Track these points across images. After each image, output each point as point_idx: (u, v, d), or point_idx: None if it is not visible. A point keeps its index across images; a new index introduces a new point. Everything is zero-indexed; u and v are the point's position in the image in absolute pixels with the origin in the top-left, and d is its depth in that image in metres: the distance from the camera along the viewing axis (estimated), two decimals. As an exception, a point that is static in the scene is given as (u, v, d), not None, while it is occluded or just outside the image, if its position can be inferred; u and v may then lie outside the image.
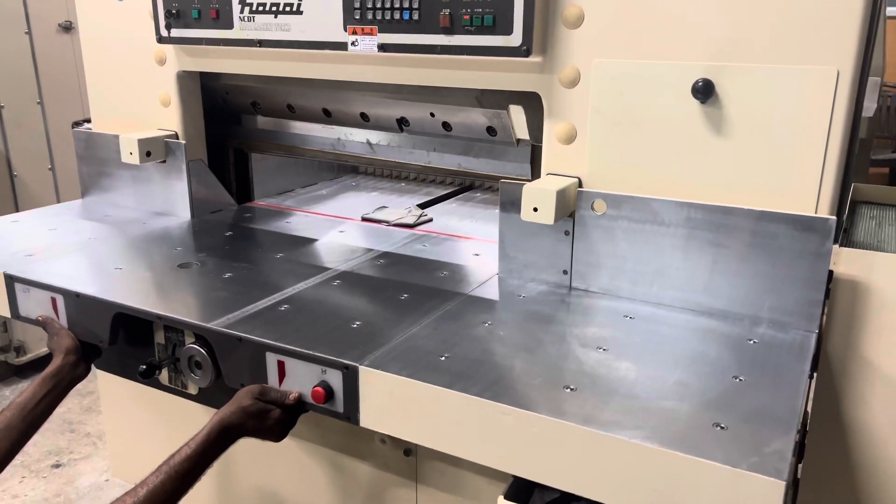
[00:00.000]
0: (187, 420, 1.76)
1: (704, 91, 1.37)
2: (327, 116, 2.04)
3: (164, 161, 2.10)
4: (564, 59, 1.51)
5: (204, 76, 2.10)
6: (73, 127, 3.76)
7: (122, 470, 2.41)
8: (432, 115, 1.85)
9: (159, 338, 1.57)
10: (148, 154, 2.05)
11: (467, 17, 1.52)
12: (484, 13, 1.50)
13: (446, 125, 1.86)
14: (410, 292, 1.56)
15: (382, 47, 1.64)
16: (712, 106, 1.38)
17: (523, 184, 1.53)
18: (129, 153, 2.03)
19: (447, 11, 1.54)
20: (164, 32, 1.95)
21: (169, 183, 2.12)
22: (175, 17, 1.91)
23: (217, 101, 2.20)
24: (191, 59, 2.01)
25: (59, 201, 3.65)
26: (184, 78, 2.06)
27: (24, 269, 1.66)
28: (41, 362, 3.37)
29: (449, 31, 1.55)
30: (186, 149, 2.08)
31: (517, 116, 1.73)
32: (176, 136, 2.11)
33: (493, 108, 1.74)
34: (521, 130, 1.75)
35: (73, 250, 1.82)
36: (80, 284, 1.58)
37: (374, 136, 2.03)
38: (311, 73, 1.83)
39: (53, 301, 1.58)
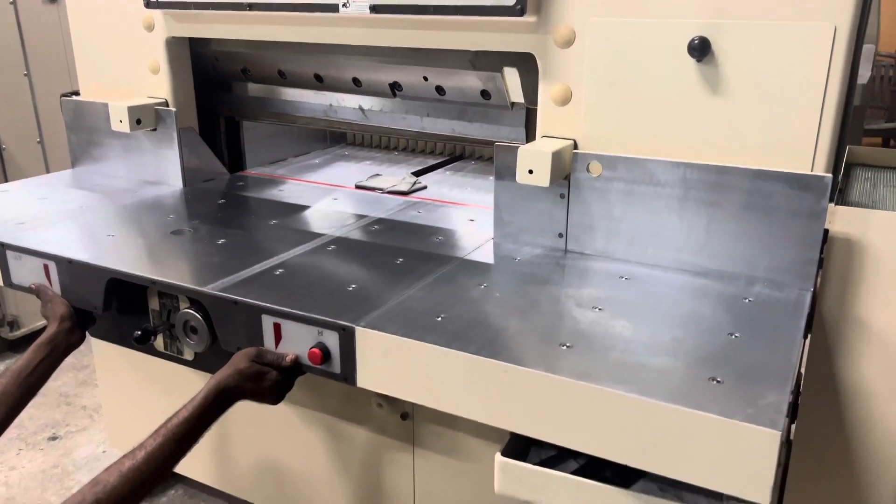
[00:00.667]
0: (183, 389, 1.75)
1: (700, 49, 1.36)
2: (319, 82, 2.02)
3: (155, 129, 2.08)
4: (559, 19, 1.49)
5: (193, 42, 2.07)
6: (61, 99, 3.70)
7: (120, 441, 2.41)
8: (425, 79, 1.83)
9: (154, 304, 1.56)
10: (138, 122, 2.02)
11: (460, -24, 1.50)
12: (477, -28, 1.48)
13: (440, 89, 1.85)
14: (405, 257, 1.55)
15: (374, 8, 1.62)
16: (708, 64, 1.37)
17: (518, 147, 1.52)
18: (119, 121, 2.01)
19: (440, -29, 1.52)
20: (152, -3, 1.92)
21: (160, 151, 2.10)
22: (163, -19, 1.88)
23: (207, 68, 2.17)
24: (179, 24, 1.98)
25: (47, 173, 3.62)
26: (173, 44, 2.03)
27: (16, 237, 1.65)
28: (35, 337, 3.36)
29: (442, -10, 1.53)
30: (177, 116, 2.05)
31: (511, 79, 1.71)
32: (166, 104, 2.08)
33: (487, 71, 1.72)
34: (516, 93, 1.73)
35: (65, 218, 1.81)
36: (72, 251, 1.56)
37: (367, 102, 2.01)
38: (301, 36, 1.80)
39: (46, 268, 1.57)
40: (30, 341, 3.41)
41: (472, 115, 1.86)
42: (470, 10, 1.51)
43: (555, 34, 1.50)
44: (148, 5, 1.94)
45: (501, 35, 1.57)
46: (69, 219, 1.81)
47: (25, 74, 3.44)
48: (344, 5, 1.65)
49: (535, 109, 1.60)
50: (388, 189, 2.08)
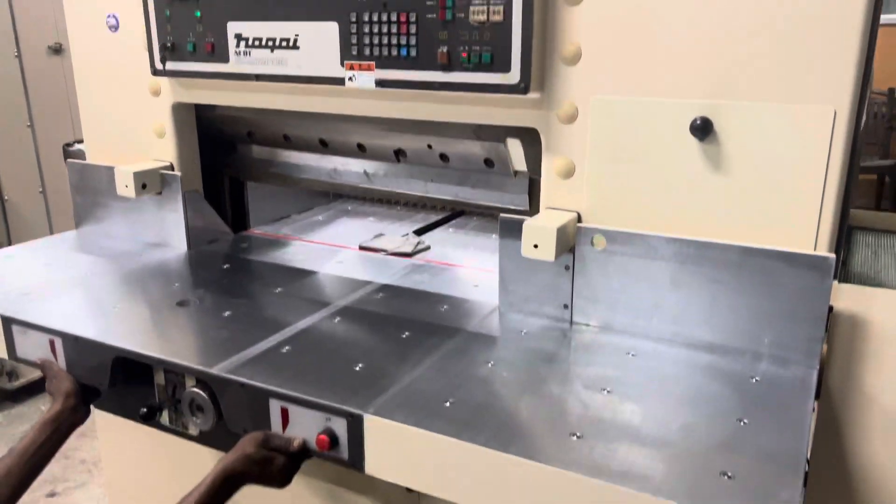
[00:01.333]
0: (184, 448, 1.74)
1: (703, 129, 1.38)
2: (324, 147, 2.04)
3: (160, 193, 2.09)
4: (562, 96, 1.51)
5: (199, 106, 2.09)
6: (64, 149, 3.73)
7: (119, 498, 2.39)
8: (430, 146, 1.85)
9: (159, 378, 1.56)
10: (143, 186, 2.04)
11: (465, 54, 1.53)
12: (482, 51, 1.51)
13: (444, 156, 1.87)
14: (412, 329, 1.56)
15: (380, 83, 1.64)
16: (710, 143, 1.39)
17: (523, 218, 1.54)
18: (125, 186, 2.02)
19: (445, 49, 1.54)
20: (158, 65, 1.94)
21: (164, 214, 2.11)
22: (170, 50, 1.91)
23: (212, 130, 2.19)
24: (186, 90, 2.00)
25: (50, 224, 3.64)
26: (179, 109, 2.05)
27: (21, 310, 1.65)
28: (34, 387, 3.35)
29: (447, 67, 1.55)
30: (182, 180, 2.07)
31: (515, 149, 1.73)
32: (171, 168, 2.10)
33: (491, 141, 1.74)
34: (519, 163, 1.75)
35: (70, 287, 1.81)
36: (78, 326, 1.56)
37: (371, 167, 2.03)
38: (307, 106, 1.83)
39: (52, 343, 1.57)
40: (29, 391, 3.40)
41: (476, 181, 1.88)
42: (475, 88, 1.54)
43: (558, 110, 1.53)
44: (155, 73, 1.96)
45: (505, 110, 1.59)
46: (75, 287, 1.81)
47: (29, 126, 3.48)
48: (350, 79, 1.68)
49: (538, 178, 1.62)
50: (392, 251, 2.09)
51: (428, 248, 2.13)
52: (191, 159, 2.13)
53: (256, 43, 1.78)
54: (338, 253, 2.11)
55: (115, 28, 2.08)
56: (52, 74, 3.55)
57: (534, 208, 1.81)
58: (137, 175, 2.01)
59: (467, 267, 1.98)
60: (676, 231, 1.45)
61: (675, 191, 1.44)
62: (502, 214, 1.62)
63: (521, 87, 1.49)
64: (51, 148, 3.58)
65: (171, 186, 2.08)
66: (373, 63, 1.64)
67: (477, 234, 2.29)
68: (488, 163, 1.80)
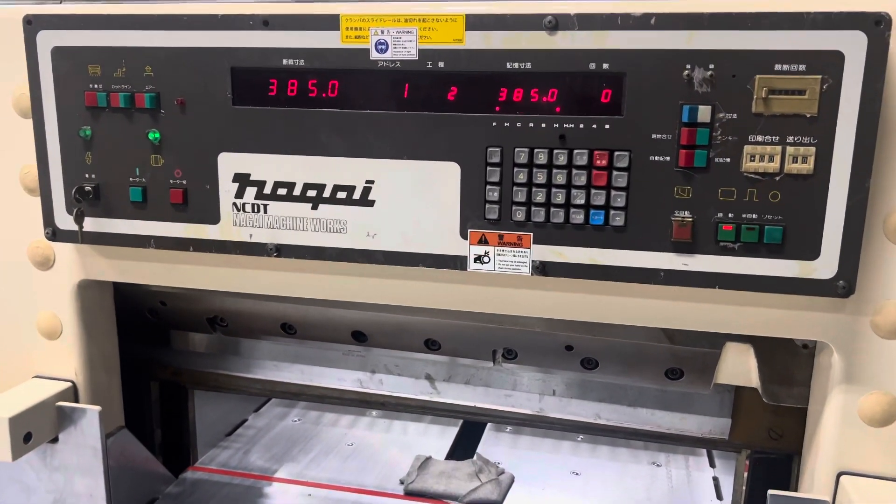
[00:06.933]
0: None
1: None
2: (358, 341, 1.24)
3: (56, 439, 1.16)
4: (887, 292, 0.90)
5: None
6: None
7: None
8: (569, 348, 1.14)
9: None
10: (27, 438, 1.10)
11: (729, 227, 0.86)
12: (765, 221, 0.85)
13: (589, 362, 1.16)
14: None
15: (541, 268, 0.92)
16: None
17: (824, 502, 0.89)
18: (-10, 444, 1.08)
19: (687, 215, 0.87)
20: (64, 223, 1.06)
21: (66, 477, 1.17)
22: (92, 198, 1.04)
23: (140, 315, 1.30)
24: (108, 262, 1.12)
25: None
26: (87, 289, 1.16)
27: None
28: None
29: (688, 247, 0.88)
30: (101, 417, 1.15)
31: (736, 358, 1.07)
32: (74, 392, 1.18)
33: (695, 347, 1.07)
34: (737, 376, 1.09)
35: None
36: None
37: (441, 370, 1.26)
38: (374, 297, 1.04)
39: None
40: None
41: (635, 396, 1.19)
42: (743, 283, 0.87)
43: (876, 315, 0.90)
44: (53, 236, 1.07)
45: (770, 312, 0.93)
46: None
47: None
48: (479, 259, 0.94)
49: (776, 403, 0.99)
50: (467, 497, 1.31)
51: (512, 479, 1.38)
52: (108, 373, 1.23)
53: (281, 192, 0.98)
54: (374, 508, 1.29)
55: (-43, 149, 1.15)
56: None
57: (735, 436, 1.16)
58: (16, 423, 1.08)
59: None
60: None
61: None
62: (773, 492, 0.94)
63: (841, 287, 0.85)
64: None
65: (76, 426, 1.16)
66: (529, 235, 0.92)
67: (544, 435, 1.58)
68: (673, 373, 1.13)
